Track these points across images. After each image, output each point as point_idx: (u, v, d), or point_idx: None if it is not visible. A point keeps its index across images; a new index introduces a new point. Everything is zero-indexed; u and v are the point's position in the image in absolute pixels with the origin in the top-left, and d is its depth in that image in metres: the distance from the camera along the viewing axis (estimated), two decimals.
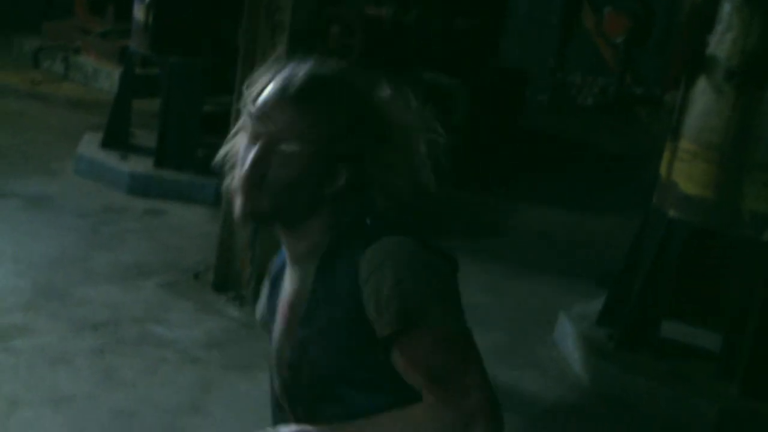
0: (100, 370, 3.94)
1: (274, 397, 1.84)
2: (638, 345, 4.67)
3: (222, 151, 1.71)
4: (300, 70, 1.61)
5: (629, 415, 4.29)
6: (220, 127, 3.19)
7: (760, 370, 4.34)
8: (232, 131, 1.69)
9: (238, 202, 1.63)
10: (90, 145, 6.84)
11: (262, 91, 1.62)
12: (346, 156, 1.60)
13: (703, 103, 4.36)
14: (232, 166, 1.67)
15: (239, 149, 1.64)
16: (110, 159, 6.67)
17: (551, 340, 5.15)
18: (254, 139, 1.60)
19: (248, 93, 1.63)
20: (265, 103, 1.60)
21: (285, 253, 1.75)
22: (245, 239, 5.02)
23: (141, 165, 6.77)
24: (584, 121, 9.81)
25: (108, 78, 8.53)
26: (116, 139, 6.81)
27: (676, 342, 4.80)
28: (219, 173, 1.74)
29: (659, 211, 4.60)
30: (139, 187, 6.58)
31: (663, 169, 4.59)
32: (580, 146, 9.01)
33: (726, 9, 4.29)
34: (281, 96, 1.59)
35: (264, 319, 1.89)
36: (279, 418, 1.79)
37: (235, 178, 1.63)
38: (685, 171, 4.42)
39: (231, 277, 5.09)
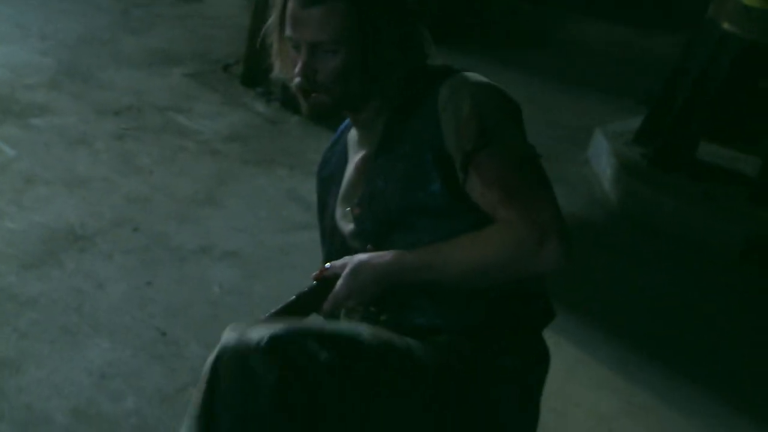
0: (118, 155, 3.91)
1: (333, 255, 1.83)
2: (672, 166, 4.50)
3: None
4: None
5: (654, 237, 4.18)
6: None
7: None
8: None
9: (302, 102, 1.72)
10: None
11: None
12: (377, 31, 1.65)
13: None
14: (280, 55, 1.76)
15: (288, 49, 1.71)
16: None
17: (584, 157, 5.00)
18: (296, 44, 1.67)
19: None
20: (299, 8, 1.64)
21: (344, 132, 1.89)
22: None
23: None
24: None
25: None
26: None
27: (712, 165, 4.62)
28: None
29: (712, 22, 4.29)
30: None
31: None
32: None
33: None
34: (303, 4, 1.63)
35: (321, 197, 1.96)
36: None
37: (293, 81, 1.70)
38: None
39: (260, 71, 4.94)
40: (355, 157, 1.83)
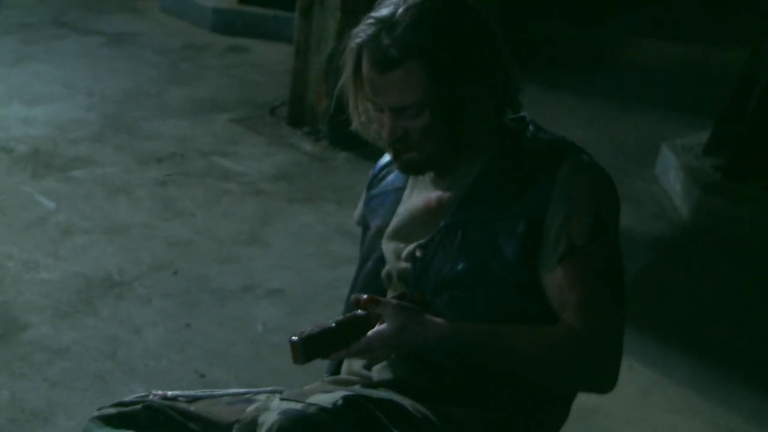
0: (159, 201, 3.79)
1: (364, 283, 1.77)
2: (747, 175, 4.20)
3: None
4: (385, 42, 1.51)
5: (731, 250, 3.88)
6: None
7: None
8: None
9: (393, 160, 1.64)
10: None
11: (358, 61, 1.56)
12: (460, 89, 1.53)
13: None
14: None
15: (367, 107, 1.62)
16: None
17: (651, 175, 4.73)
18: (377, 107, 1.58)
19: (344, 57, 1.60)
20: (376, 74, 1.53)
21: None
22: (320, 72, 4.73)
23: (225, 1, 6.54)
24: None
25: None
26: None
27: None
28: None
29: None
30: (222, 23, 6.35)
31: None
32: None
33: None
34: (384, 69, 1.52)
35: (364, 218, 1.82)
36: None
37: (382, 138, 1.61)
38: None
39: (306, 111, 4.83)
40: (427, 193, 1.68)
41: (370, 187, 1.82)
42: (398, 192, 1.74)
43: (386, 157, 1.79)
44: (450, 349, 1.51)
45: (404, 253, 1.65)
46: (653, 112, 5.54)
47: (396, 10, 1.51)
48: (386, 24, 1.51)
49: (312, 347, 1.44)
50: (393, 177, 1.77)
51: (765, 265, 3.73)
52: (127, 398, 1.64)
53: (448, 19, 1.51)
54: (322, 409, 1.38)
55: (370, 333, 1.47)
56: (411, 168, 1.63)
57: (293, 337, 1.42)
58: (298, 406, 1.39)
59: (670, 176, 4.50)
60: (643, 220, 4.11)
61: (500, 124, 1.63)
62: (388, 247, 1.70)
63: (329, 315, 3.01)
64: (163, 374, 2.64)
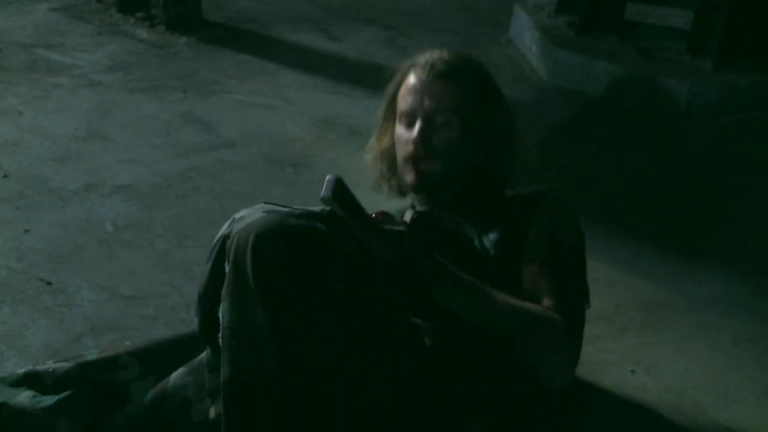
0: None
1: None
2: (601, 29, 4.14)
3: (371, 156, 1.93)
4: (436, 56, 1.79)
5: (593, 104, 3.84)
6: None
7: (734, 41, 3.84)
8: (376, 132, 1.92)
9: (409, 174, 1.78)
10: None
11: (405, 77, 1.81)
12: (488, 126, 1.78)
13: None
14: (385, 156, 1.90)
15: (396, 138, 1.82)
16: None
17: (506, 39, 4.62)
18: (411, 117, 1.77)
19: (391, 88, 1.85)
20: (419, 81, 1.77)
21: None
22: None
23: None
24: None
25: None
26: None
27: (642, 24, 4.28)
28: None
29: None
30: None
31: None
32: None
33: None
34: (432, 75, 1.75)
35: None
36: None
37: (402, 153, 1.79)
38: None
39: None
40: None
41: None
42: None
43: None
44: (444, 284, 1.51)
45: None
46: None
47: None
48: (439, 58, 1.78)
49: (342, 192, 1.43)
50: None
51: (624, 117, 3.71)
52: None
53: (488, 75, 1.84)
54: (312, 215, 1.44)
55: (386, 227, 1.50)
56: (429, 180, 1.76)
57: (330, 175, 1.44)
58: (284, 210, 1.44)
59: (525, 37, 4.40)
60: (502, 85, 3.98)
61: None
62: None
63: (186, 207, 2.80)
64: (4, 286, 2.35)
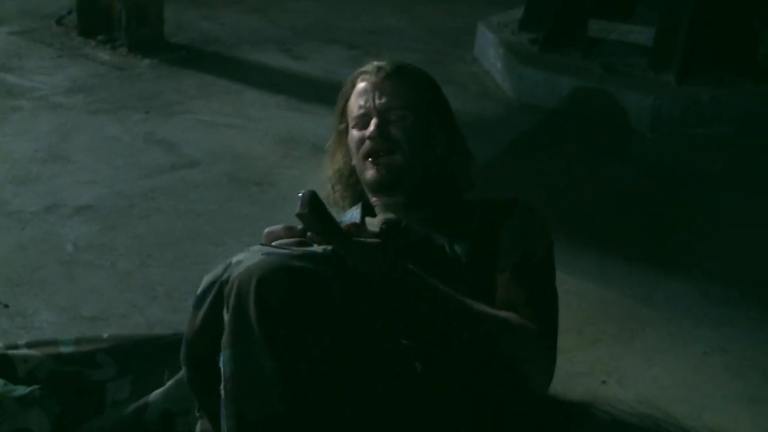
0: None
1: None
2: (565, 46, 4.16)
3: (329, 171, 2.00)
4: (383, 62, 1.88)
5: (558, 119, 3.84)
6: None
7: (696, 56, 3.88)
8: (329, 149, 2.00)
9: (370, 171, 1.81)
10: None
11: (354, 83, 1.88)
12: (438, 123, 1.85)
13: None
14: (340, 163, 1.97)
15: (350, 143, 1.87)
16: None
17: (471, 57, 4.63)
18: (365, 119, 1.82)
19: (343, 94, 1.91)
20: (370, 83, 1.83)
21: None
22: None
23: None
24: None
25: None
26: None
27: (605, 41, 4.31)
28: None
29: None
30: None
31: None
32: None
33: None
34: (381, 76, 1.83)
35: None
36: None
37: (360, 152, 1.83)
38: None
39: (98, 17, 4.38)
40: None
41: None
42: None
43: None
44: (421, 294, 1.51)
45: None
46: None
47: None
48: (386, 62, 1.87)
49: (317, 207, 1.42)
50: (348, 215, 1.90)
51: (591, 130, 3.72)
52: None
53: (434, 79, 1.90)
54: (312, 257, 1.36)
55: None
56: (390, 171, 1.78)
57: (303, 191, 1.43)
58: (284, 252, 1.37)
59: (489, 55, 4.41)
60: (467, 102, 3.99)
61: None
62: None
63: (149, 227, 2.75)
64: None
